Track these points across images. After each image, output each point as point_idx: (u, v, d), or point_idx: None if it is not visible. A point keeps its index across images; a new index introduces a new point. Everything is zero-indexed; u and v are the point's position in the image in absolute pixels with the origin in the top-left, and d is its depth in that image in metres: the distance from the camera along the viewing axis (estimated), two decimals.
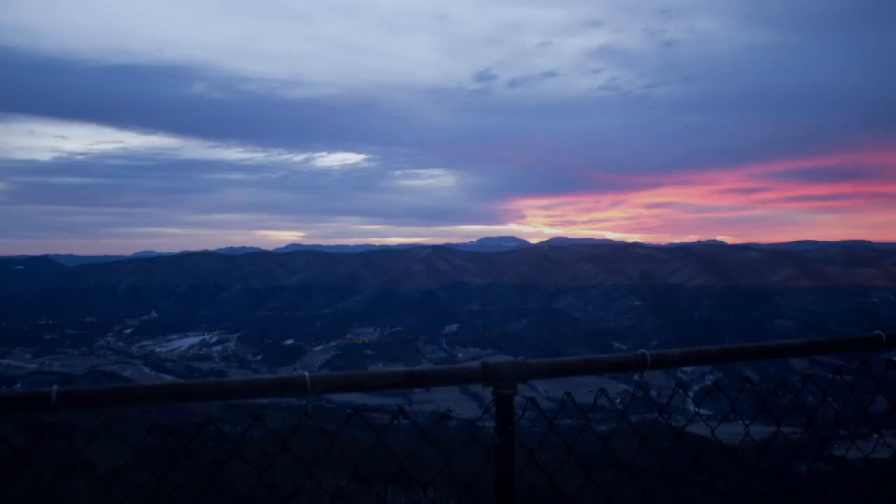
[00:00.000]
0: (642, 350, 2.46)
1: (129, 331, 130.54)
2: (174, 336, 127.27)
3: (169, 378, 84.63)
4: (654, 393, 2.90)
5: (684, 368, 67.62)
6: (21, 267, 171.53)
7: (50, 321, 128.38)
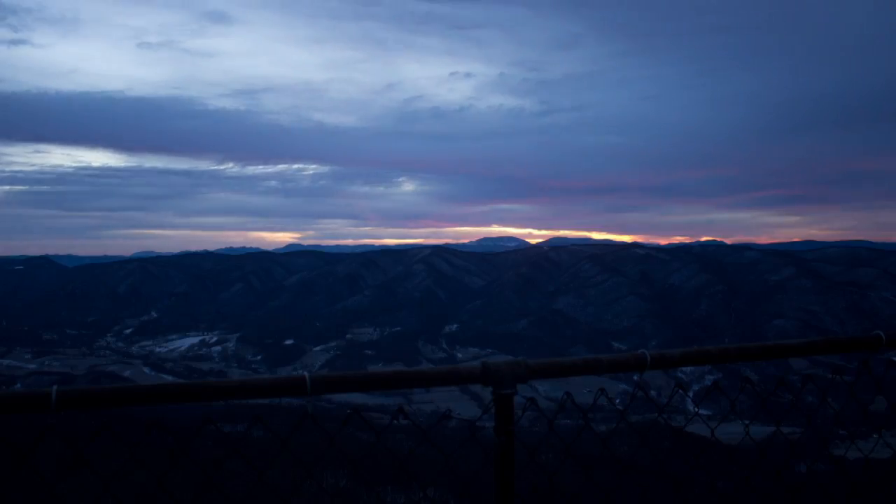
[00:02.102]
0: (642, 350, 2.46)
1: (128, 331, 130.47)
2: (174, 336, 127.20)
3: (169, 378, 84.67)
4: (654, 393, 2.89)
5: (684, 368, 67.61)
6: (21, 267, 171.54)
7: (50, 321, 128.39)
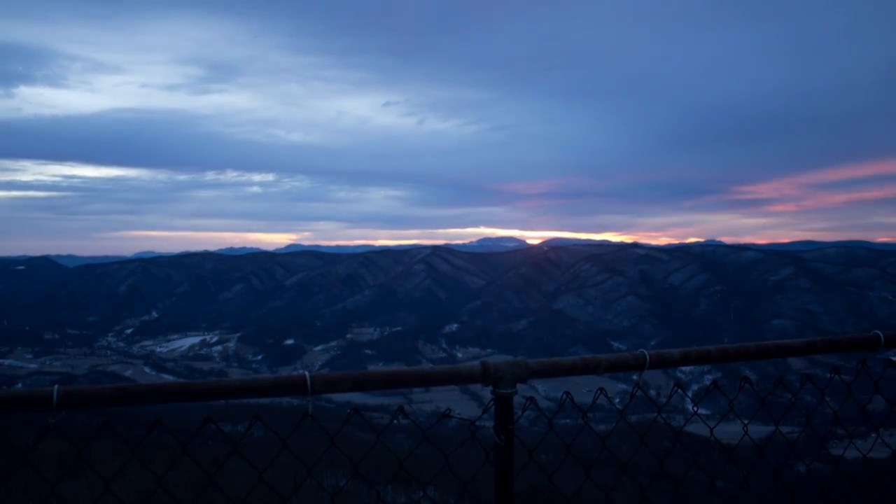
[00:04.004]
0: (641, 350, 2.46)
1: (129, 331, 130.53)
2: (174, 336, 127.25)
3: (169, 378, 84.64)
4: (653, 392, 2.90)
5: (683, 368, 67.64)
6: (22, 267, 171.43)
7: (50, 321, 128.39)
